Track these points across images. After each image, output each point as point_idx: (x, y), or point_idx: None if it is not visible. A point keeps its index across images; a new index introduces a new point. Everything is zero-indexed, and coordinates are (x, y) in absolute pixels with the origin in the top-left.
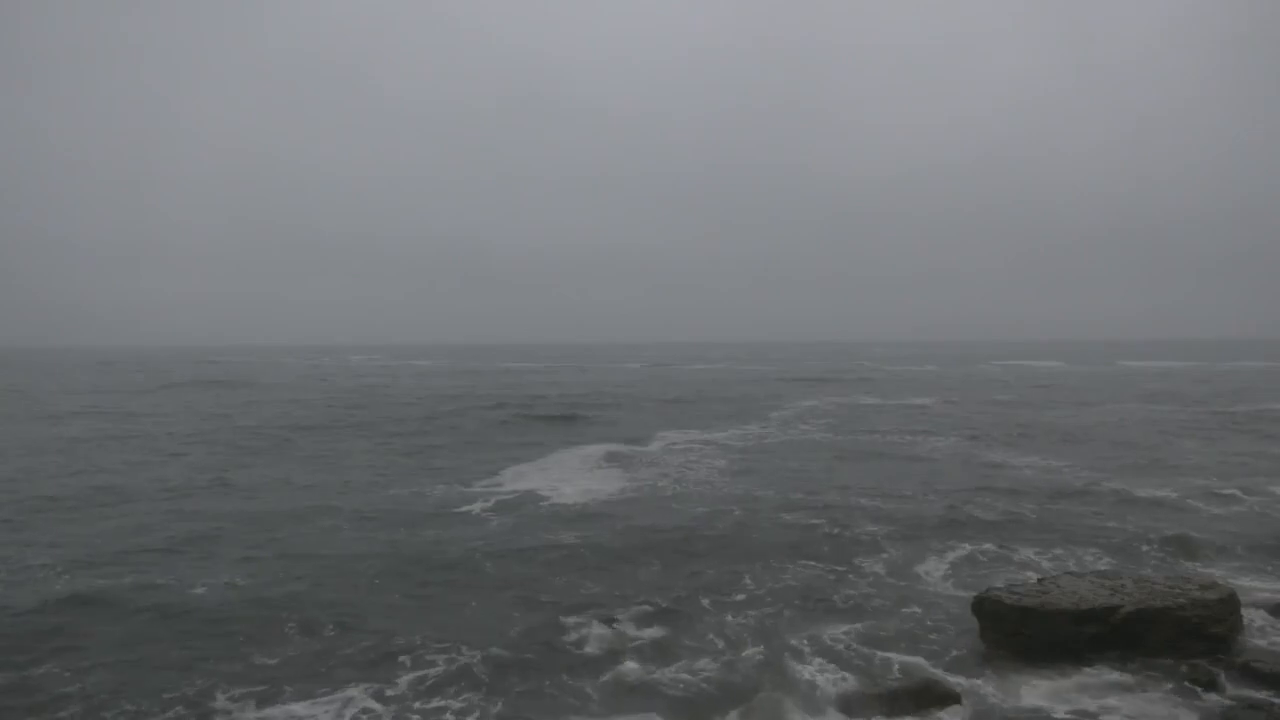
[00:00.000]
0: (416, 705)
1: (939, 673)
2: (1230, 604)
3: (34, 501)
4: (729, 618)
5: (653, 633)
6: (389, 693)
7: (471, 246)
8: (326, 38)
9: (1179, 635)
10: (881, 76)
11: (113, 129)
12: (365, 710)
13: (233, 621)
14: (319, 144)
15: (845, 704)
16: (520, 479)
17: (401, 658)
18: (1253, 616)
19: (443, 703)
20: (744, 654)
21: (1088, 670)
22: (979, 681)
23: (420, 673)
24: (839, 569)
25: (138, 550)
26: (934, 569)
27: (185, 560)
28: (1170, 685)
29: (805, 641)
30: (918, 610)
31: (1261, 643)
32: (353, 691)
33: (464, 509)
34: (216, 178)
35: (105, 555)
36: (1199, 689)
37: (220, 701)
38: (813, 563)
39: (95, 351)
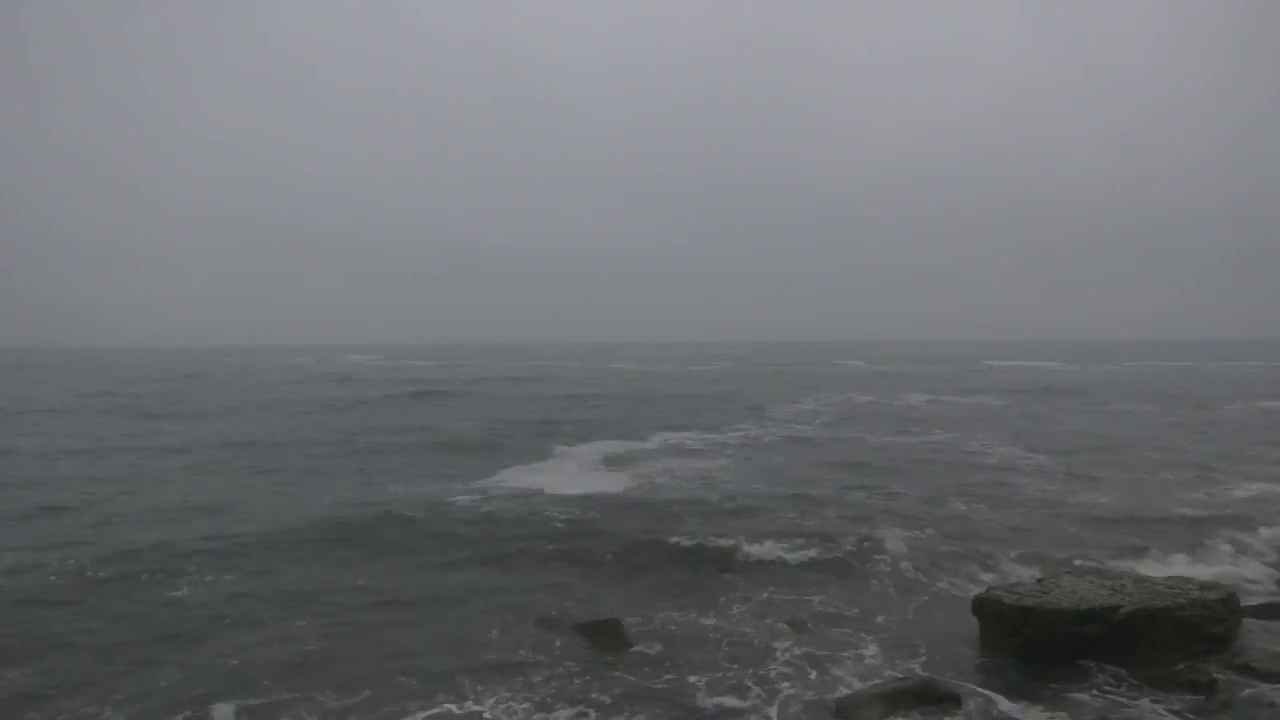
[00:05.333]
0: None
1: (938, 672)
2: (1230, 603)
3: None
4: (725, 617)
5: (649, 631)
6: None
7: (472, 247)
8: (326, 38)
9: (1179, 635)
10: (881, 76)
11: (113, 129)
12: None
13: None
14: (319, 144)
15: (843, 703)
16: (517, 478)
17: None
18: (1252, 616)
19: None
20: (740, 655)
21: (1088, 670)
22: (979, 681)
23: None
24: (837, 567)
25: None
26: (933, 568)
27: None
28: (1170, 685)
29: (803, 640)
30: (917, 609)
31: (1261, 642)
32: (323, 696)
33: (455, 504)
34: (216, 178)
35: None
36: (1199, 688)
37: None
38: (810, 561)
39: (92, 352)
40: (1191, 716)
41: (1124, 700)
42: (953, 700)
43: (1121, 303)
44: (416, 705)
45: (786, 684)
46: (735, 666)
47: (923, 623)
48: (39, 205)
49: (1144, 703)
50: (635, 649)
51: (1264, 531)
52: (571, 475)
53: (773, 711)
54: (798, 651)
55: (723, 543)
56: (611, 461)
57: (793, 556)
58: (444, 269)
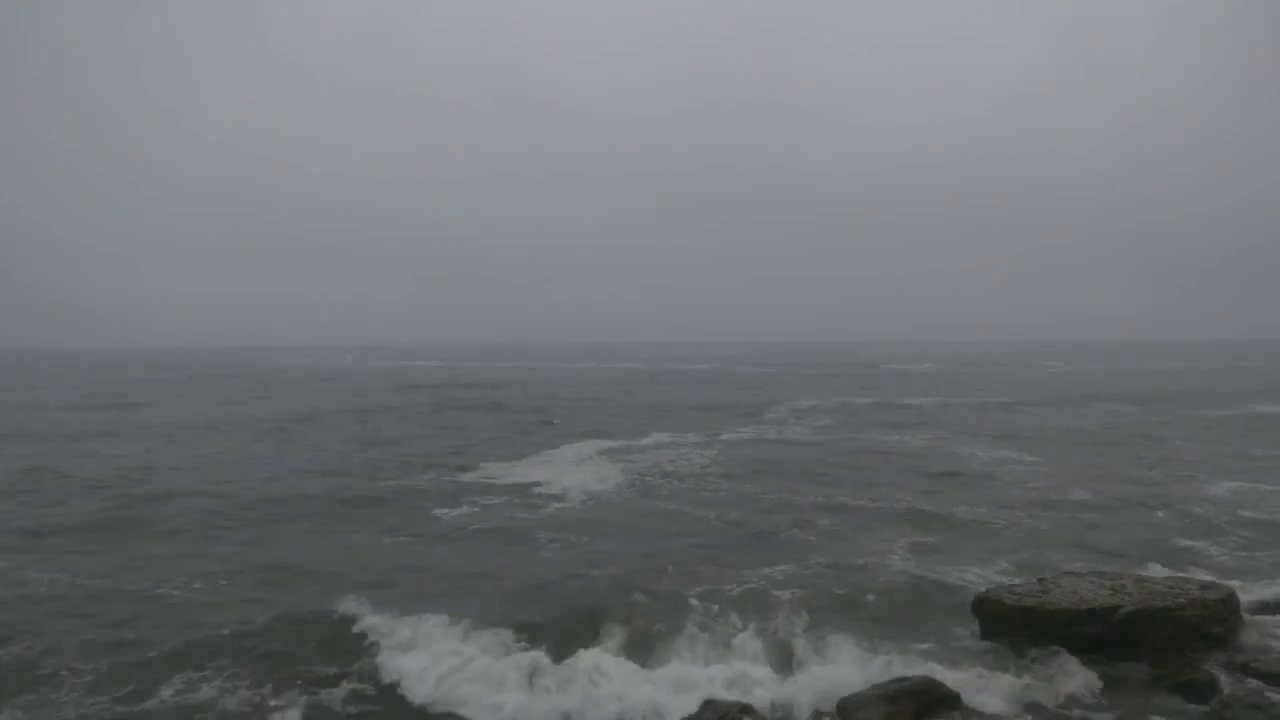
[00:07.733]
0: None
1: (939, 673)
2: (1230, 604)
3: None
4: (720, 616)
5: (642, 630)
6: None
7: (472, 247)
8: (326, 38)
9: (1179, 635)
10: (881, 76)
11: (113, 129)
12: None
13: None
14: (319, 144)
15: (843, 703)
16: (510, 475)
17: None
18: (1252, 616)
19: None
20: (738, 655)
21: (1088, 670)
22: (979, 682)
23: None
24: (835, 568)
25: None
26: (933, 569)
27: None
28: (1170, 685)
29: (802, 641)
30: (917, 610)
31: (1261, 642)
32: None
33: (448, 506)
34: (216, 178)
35: None
36: (1199, 689)
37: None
38: (807, 561)
39: (89, 353)
40: (1191, 716)
41: (1124, 700)
42: (952, 701)
43: (1121, 303)
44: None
45: (786, 682)
46: (735, 663)
47: (922, 623)
48: (39, 205)
49: (1144, 703)
50: (629, 636)
51: (1262, 531)
52: (565, 478)
53: (774, 709)
54: (797, 652)
55: (718, 544)
56: (605, 462)
57: (790, 556)
58: (444, 269)
